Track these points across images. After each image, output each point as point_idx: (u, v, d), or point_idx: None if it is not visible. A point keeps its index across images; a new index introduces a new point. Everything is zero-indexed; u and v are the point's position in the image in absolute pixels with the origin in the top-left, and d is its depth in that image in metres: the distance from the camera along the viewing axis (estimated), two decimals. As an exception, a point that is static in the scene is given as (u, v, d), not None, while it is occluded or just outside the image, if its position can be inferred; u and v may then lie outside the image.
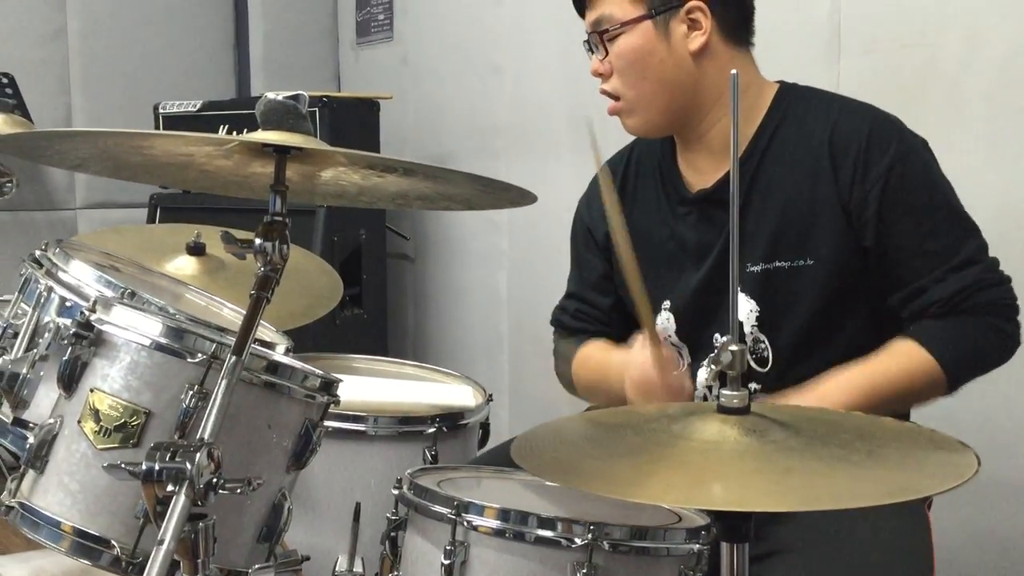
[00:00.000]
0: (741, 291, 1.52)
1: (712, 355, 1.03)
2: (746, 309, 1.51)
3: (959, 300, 1.43)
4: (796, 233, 1.49)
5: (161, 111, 3.25)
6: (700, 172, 1.59)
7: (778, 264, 1.49)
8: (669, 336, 1.60)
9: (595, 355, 1.68)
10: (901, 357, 1.43)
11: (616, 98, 1.56)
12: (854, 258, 1.47)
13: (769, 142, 1.52)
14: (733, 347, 1.01)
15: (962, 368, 1.44)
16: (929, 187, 1.47)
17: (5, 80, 3.21)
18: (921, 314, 1.45)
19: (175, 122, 3.22)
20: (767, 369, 1.51)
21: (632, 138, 1.77)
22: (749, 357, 1.51)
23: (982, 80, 1.86)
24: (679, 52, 1.51)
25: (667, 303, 1.60)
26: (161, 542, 0.94)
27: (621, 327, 1.66)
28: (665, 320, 1.60)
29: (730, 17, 1.53)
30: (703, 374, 1.57)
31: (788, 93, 1.56)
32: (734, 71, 1.04)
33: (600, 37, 1.54)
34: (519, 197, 1.19)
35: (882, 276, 1.48)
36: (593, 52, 1.58)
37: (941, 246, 1.45)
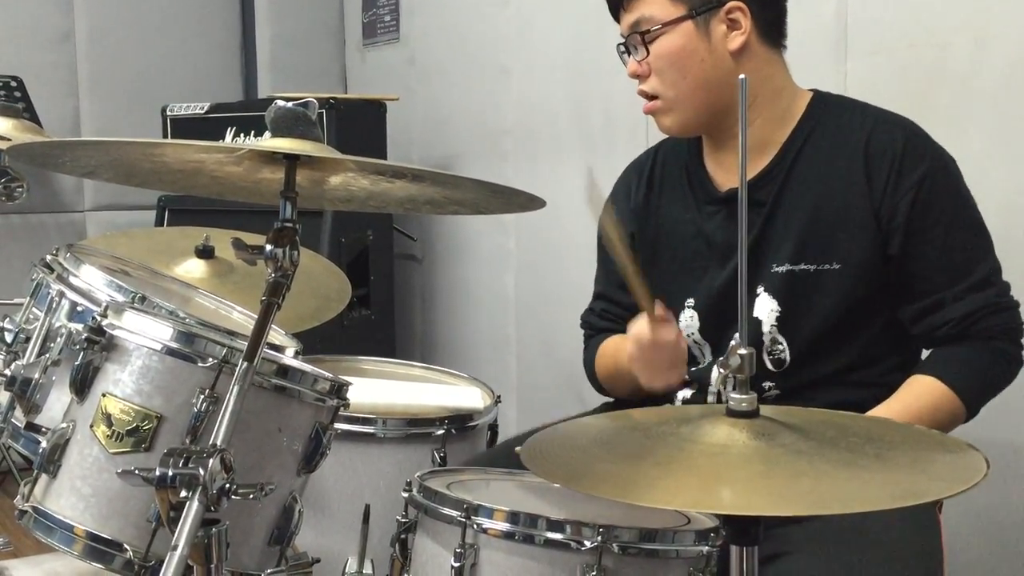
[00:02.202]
0: (764, 291, 1.53)
1: (722, 358, 1.04)
2: (767, 308, 1.53)
3: (970, 323, 1.46)
4: (824, 237, 1.51)
5: (169, 113, 3.26)
6: (730, 171, 1.60)
7: (803, 267, 1.51)
8: (692, 334, 1.62)
9: (611, 344, 1.72)
10: (923, 395, 1.46)
11: (654, 98, 1.57)
12: (879, 266, 1.49)
13: (803, 146, 1.54)
14: (742, 350, 1.02)
15: (979, 397, 1.49)
16: (957, 202, 1.50)
17: (14, 84, 3.23)
18: (931, 334, 1.49)
19: (183, 124, 3.24)
20: (783, 370, 1.52)
21: (631, 143, 1.78)
22: (766, 358, 1.53)
23: (990, 81, 1.86)
24: (719, 51, 1.52)
25: (691, 301, 1.61)
26: (175, 548, 0.95)
27: None
28: (689, 318, 1.61)
29: (768, 16, 1.55)
30: (717, 371, 1.58)
31: (823, 100, 1.59)
32: (742, 76, 1.04)
33: (641, 38, 1.54)
34: (528, 202, 1.19)
35: (901, 286, 1.50)
36: (630, 54, 1.58)
37: (959, 262, 1.47)
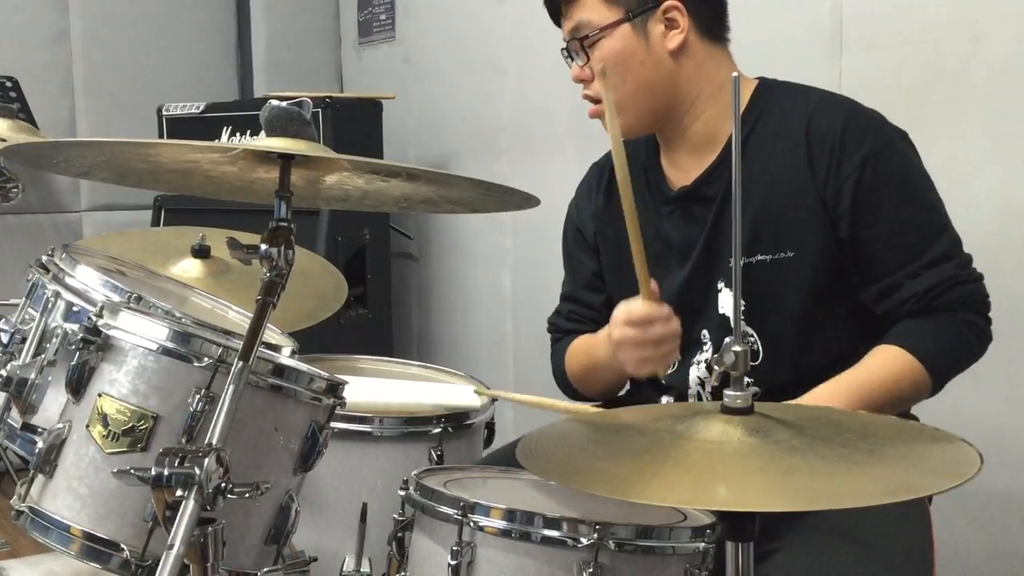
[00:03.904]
0: (726, 286, 1.53)
1: (715, 356, 1.04)
2: (731, 303, 1.52)
3: (932, 296, 1.44)
4: (776, 227, 1.49)
5: (164, 113, 3.26)
6: (681, 170, 1.60)
7: (759, 258, 1.50)
8: None
9: (585, 341, 1.70)
10: (887, 363, 1.44)
11: (598, 102, 1.56)
12: (834, 251, 1.48)
13: (748, 137, 1.52)
14: (736, 348, 1.02)
15: (945, 368, 1.46)
16: (903, 181, 1.47)
17: (9, 84, 3.23)
18: (895, 311, 1.46)
19: (178, 124, 3.23)
20: (758, 363, 1.52)
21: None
22: None
23: (984, 77, 1.86)
24: (658, 52, 1.52)
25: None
26: (171, 547, 0.95)
27: None
28: None
29: (706, 14, 1.54)
30: (694, 372, 1.58)
31: (767, 89, 1.56)
32: (735, 73, 1.05)
33: (580, 44, 1.54)
34: (523, 200, 1.19)
35: (856, 270, 1.48)
36: (573, 59, 1.58)
37: (913, 241, 1.45)
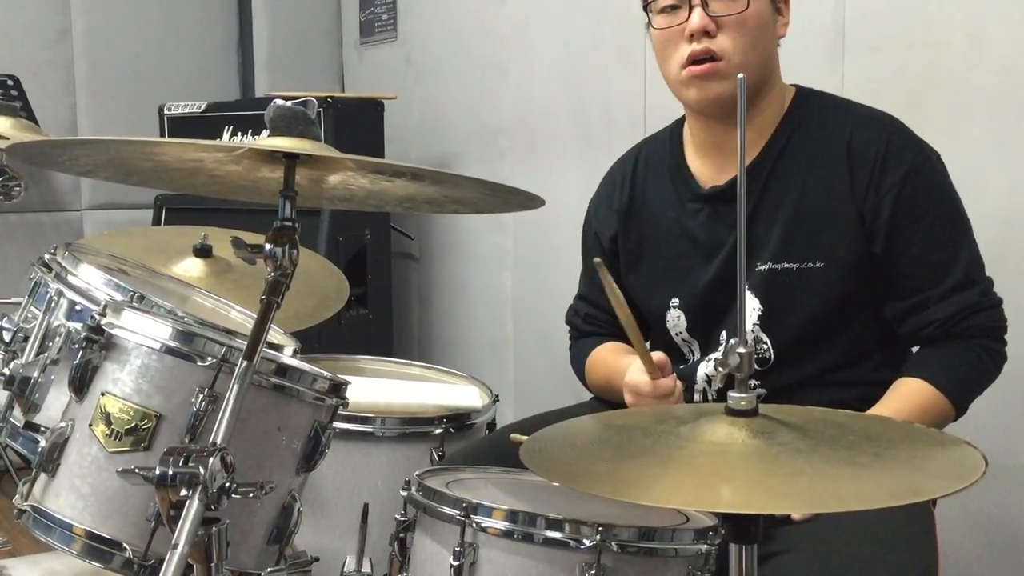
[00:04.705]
0: (747, 290, 1.53)
1: (719, 357, 1.04)
2: (750, 307, 1.53)
3: (954, 323, 1.47)
4: (807, 235, 1.51)
5: (166, 112, 3.26)
6: (715, 169, 1.60)
7: (786, 265, 1.51)
8: (680, 333, 1.62)
9: (605, 359, 1.71)
10: (912, 397, 1.47)
11: (716, 59, 1.49)
12: (863, 264, 1.49)
13: (785, 145, 1.54)
14: (741, 349, 1.02)
15: (966, 395, 1.49)
16: (940, 200, 1.50)
17: (11, 82, 3.23)
18: (917, 333, 1.50)
19: (180, 123, 3.23)
20: (767, 368, 1.53)
21: (628, 141, 1.79)
22: None
23: (986, 80, 1.86)
24: (775, 33, 1.55)
25: (675, 301, 1.62)
26: (175, 546, 0.95)
27: None
28: (675, 318, 1.62)
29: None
30: (703, 368, 1.58)
31: (805, 98, 1.58)
32: (741, 75, 1.04)
33: None
34: (527, 201, 1.19)
35: (885, 284, 1.50)
36: (696, 7, 1.48)
37: (942, 259, 1.48)
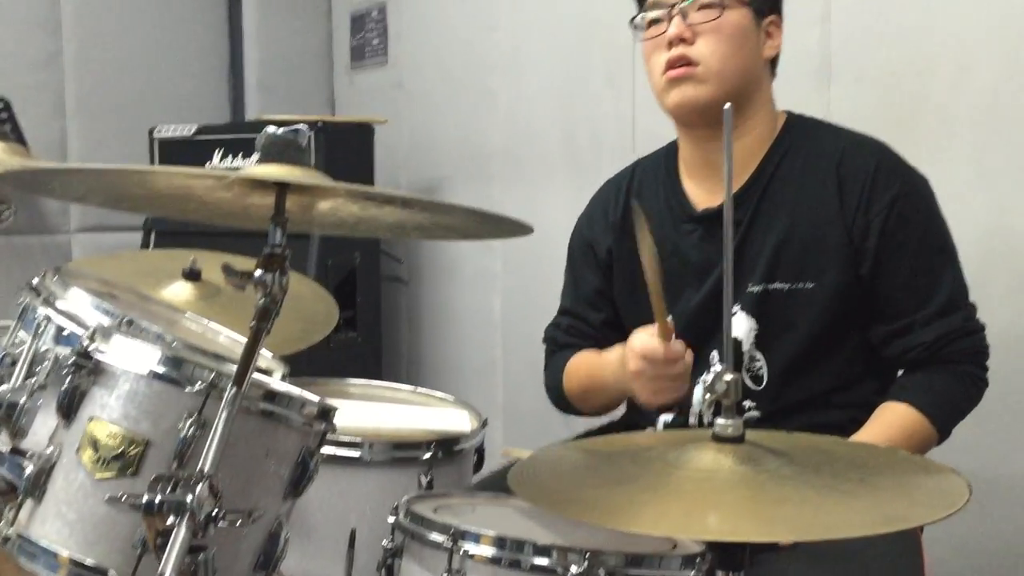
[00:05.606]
0: (741, 309, 1.55)
1: (707, 383, 1.05)
2: (746, 327, 1.55)
3: (939, 348, 1.49)
4: (797, 257, 1.53)
5: (156, 135, 3.26)
6: (707, 191, 1.62)
7: (777, 285, 1.54)
8: None
9: (587, 359, 1.71)
10: (897, 421, 1.48)
11: (691, 64, 1.54)
12: (852, 286, 1.51)
13: (777, 167, 1.57)
14: (728, 376, 1.03)
15: (949, 420, 1.51)
16: (927, 225, 1.52)
17: (1, 105, 3.22)
18: (901, 356, 1.51)
19: (170, 146, 3.24)
20: (762, 387, 1.54)
21: (617, 166, 1.80)
22: (745, 375, 1.54)
23: (970, 108, 1.89)
24: (760, 49, 1.58)
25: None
26: (162, 574, 0.94)
27: (613, 342, 1.68)
28: None
29: (781, 45, 1.62)
30: (699, 391, 1.59)
31: (796, 123, 1.62)
32: (727, 105, 1.06)
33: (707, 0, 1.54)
34: (516, 228, 1.20)
35: (872, 307, 1.52)
36: (676, 17, 1.55)
37: (928, 284, 1.50)
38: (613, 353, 1.58)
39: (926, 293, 1.49)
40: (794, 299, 1.52)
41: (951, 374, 1.50)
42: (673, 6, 1.56)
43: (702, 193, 1.63)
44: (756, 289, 1.54)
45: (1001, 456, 1.84)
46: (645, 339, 1.46)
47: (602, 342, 1.71)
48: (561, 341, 1.79)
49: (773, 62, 1.62)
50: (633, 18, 1.61)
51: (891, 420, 1.48)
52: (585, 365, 1.70)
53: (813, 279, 1.52)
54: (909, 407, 1.48)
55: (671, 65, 1.55)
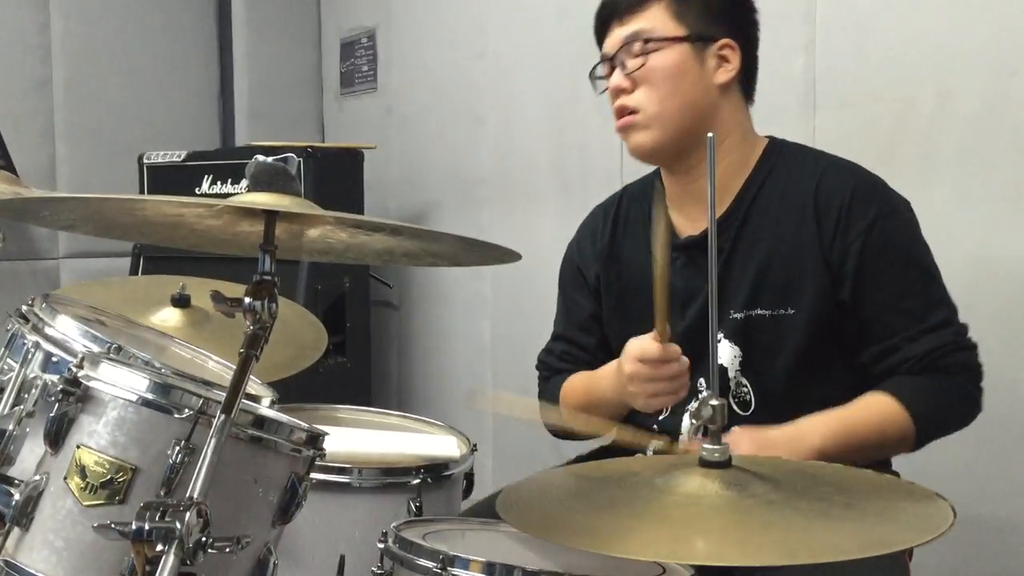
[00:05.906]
0: (725, 337, 1.56)
1: (693, 408, 1.05)
2: (731, 354, 1.55)
3: (931, 360, 1.47)
4: (777, 283, 1.53)
5: (145, 161, 3.27)
6: (689, 219, 1.63)
7: (759, 312, 1.54)
8: None
9: (582, 378, 1.71)
10: (876, 407, 1.47)
11: (633, 112, 1.58)
12: (833, 311, 1.51)
13: (758, 193, 1.57)
14: (714, 401, 1.03)
15: (931, 424, 1.49)
16: (908, 247, 1.52)
17: (-10, 132, 3.23)
18: (893, 371, 1.50)
19: (160, 172, 3.24)
20: (749, 413, 1.54)
21: (606, 192, 1.81)
22: (731, 400, 1.54)
23: (954, 134, 1.91)
24: (708, 79, 1.57)
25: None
26: (149, 602, 0.94)
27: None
28: None
29: (750, 65, 1.61)
30: (686, 419, 1.59)
31: (776, 148, 1.62)
32: (710, 134, 1.07)
33: (643, 45, 1.56)
34: (504, 255, 1.21)
35: (856, 331, 1.52)
36: (614, 69, 1.60)
37: (915, 305, 1.49)
38: (609, 367, 1.59)
39: (915, 312, 1.48)
40: (776, 325, 1.53)
41: (942, 382, 1.48)
42: (614, 57, 1.60)
43: (685, 221, 1.64)
44: (738, 316, 1.54)
45: (990, 482, 1.85)
46: (640, 342, 1.47)
47: (596, 366, 1.72)
48: (555, 367, 1.80)
49: (745, 84, 1.61)
50: (591, 72, 1.66)
51: (871, 404, 1.47)
52: (581, 384, 1.71)
53: (794, 305, 1.52)
54: (891, 397, 1.46)
55: (617, 115, 1.61)
